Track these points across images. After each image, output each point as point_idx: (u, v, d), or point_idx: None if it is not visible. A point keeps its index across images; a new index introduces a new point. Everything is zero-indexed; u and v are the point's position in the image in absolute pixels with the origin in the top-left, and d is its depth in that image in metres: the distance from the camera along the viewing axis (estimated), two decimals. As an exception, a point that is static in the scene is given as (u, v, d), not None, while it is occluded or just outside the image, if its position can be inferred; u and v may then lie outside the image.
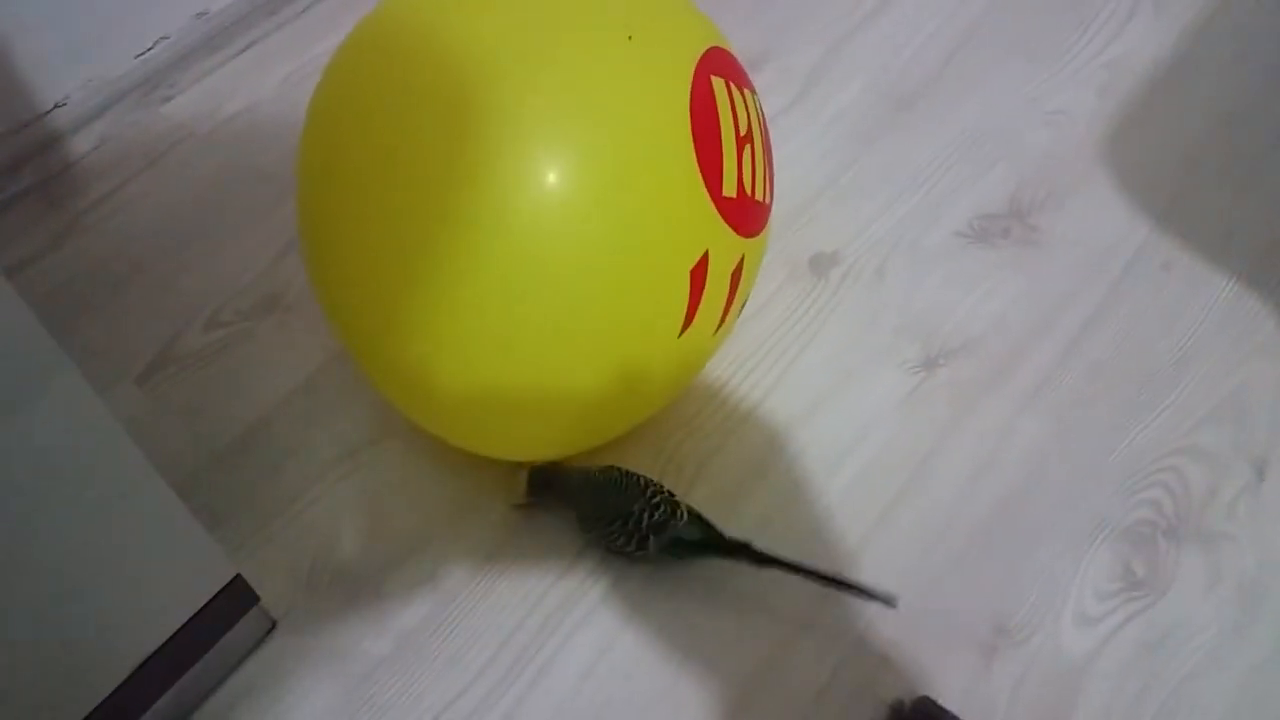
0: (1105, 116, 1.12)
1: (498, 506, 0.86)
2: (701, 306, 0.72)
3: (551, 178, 0.64)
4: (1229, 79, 1.14)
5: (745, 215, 0.74)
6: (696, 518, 0.80)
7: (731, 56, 0.76)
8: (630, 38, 0.68)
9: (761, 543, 0.79)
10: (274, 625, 0.80)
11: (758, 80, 1.14)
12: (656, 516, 0.78)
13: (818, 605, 0.80)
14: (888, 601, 0.77)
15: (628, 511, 0.78)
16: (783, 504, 0.86)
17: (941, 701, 0.75)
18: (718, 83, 0.71)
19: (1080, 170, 1.07)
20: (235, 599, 0.74)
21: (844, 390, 0.92)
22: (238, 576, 0.73)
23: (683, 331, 0.72)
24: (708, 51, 0.72)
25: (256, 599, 0.76)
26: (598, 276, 0.67)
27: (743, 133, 0.73)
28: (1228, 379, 0.92)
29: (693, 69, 0.70)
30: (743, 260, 0.76)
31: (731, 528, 0.80)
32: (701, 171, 0.68)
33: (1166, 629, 0.79)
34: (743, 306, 0.83)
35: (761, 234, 0.79)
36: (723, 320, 0.78)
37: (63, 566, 0.62)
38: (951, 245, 1.02)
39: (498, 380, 0.70)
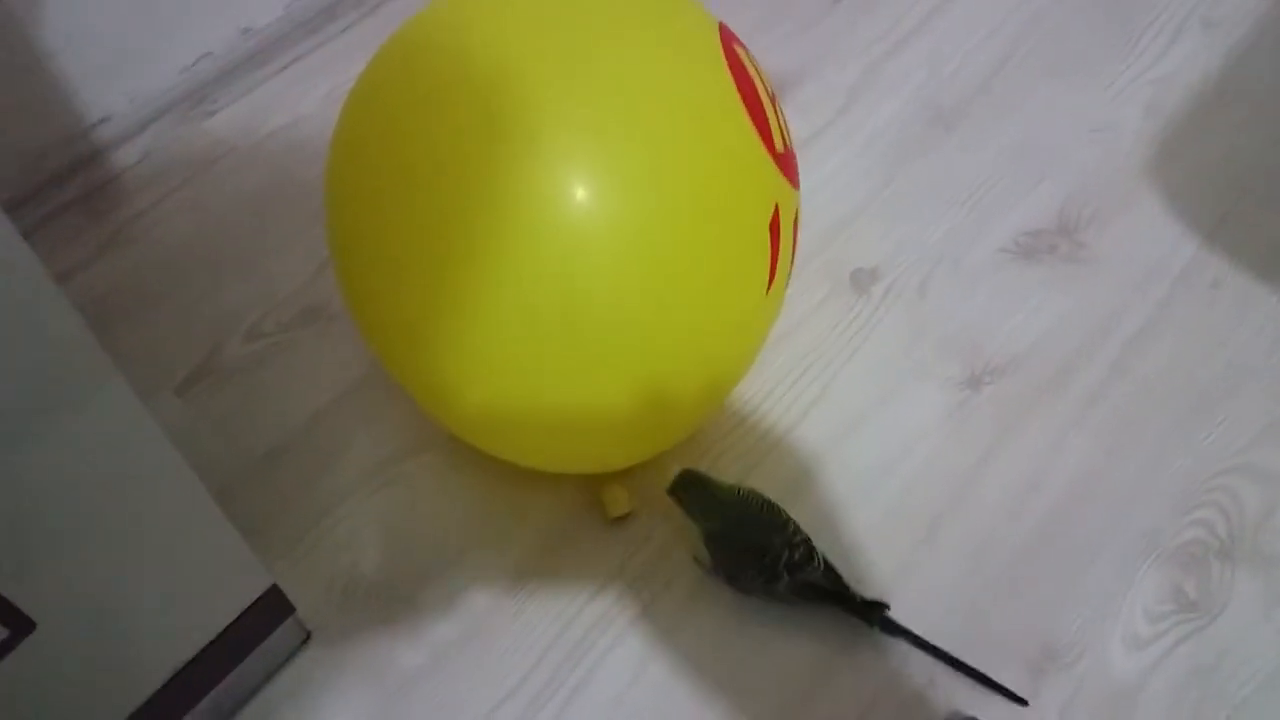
0: (1152, 134, 1.10)
1: (534, 521, 0.85)
2: (779, 260, 0.74)
3: (589, 176, 0.64)
4: (1276, 96, 1.13)
5: (792, 168, 0.77)
6: (830, 567, 0.77)
7: (727, 27, 0.77)
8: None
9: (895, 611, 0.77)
10: (308, 636, 0.80)
11: (798, 97, 1.14)
12: (796, 556, 0.75)
13: (858, 629, 0.78)
14: (1020, 700, 0.74)
15: (767, 544, 0.76)
16: (824, 522, 0.84)
17: (988, 724, 0.73)
18: (740, 50, 0.74)
19: (1127, 187, 1.05)
20: (271, 609, 0.74)
21: (886, 407, 0.91)
22: (273, 586, 0.73)
23: (770, 287, 0.74)
24: (719, 25, 0.74)
25: (292, 609, 0.76)
26: (674, 256, 0.67)
27: (771, 92, 0.75)
28: (1279, 397, 0.90)
29: (719, 41, 0.71)
30: (796, 214, 0.78)
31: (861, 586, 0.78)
32: (757, 130, 0.70)
33: (1220, 653, 0.77)
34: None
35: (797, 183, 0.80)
36: (789, 272, 0.79)
37: (102, 572, 0.61)
38: (996, 262, 1.00)
39: (540, 391, 0.69)
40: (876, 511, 0.85)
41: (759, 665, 0.78)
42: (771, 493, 0.84)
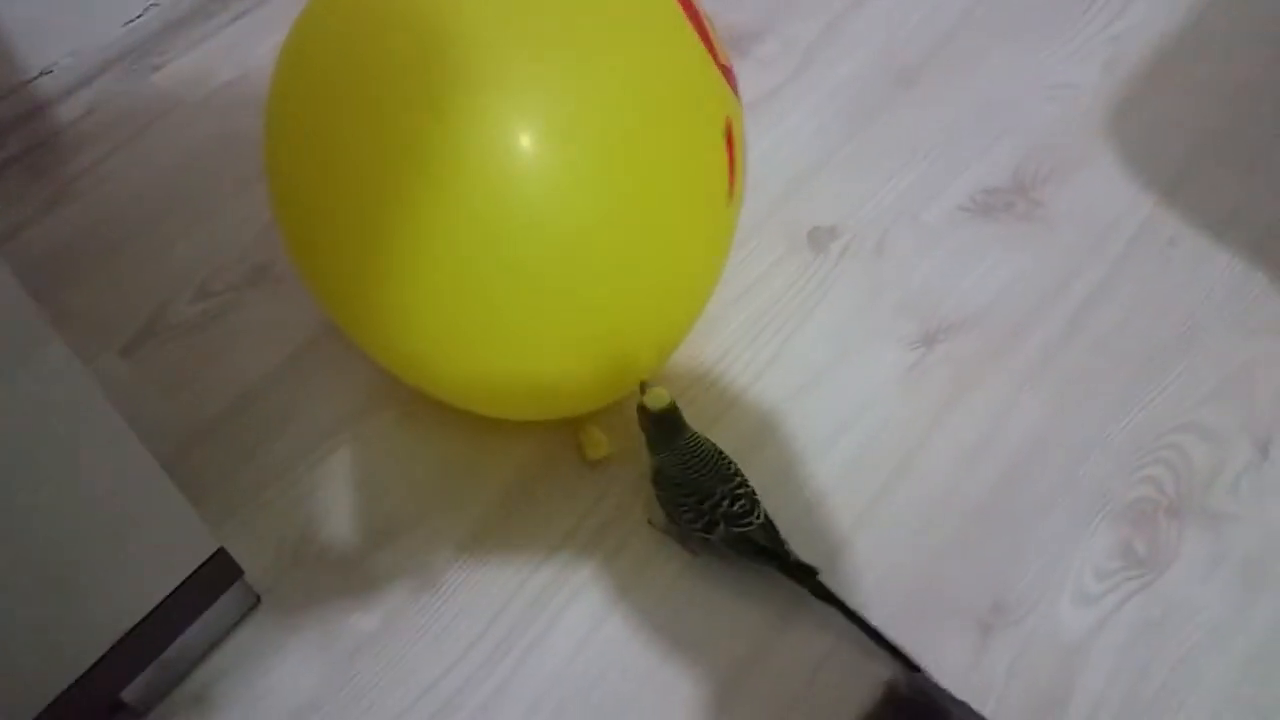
0: (1110, 91, 1.10)
1: (491, 481, 0.84)
2: (735, 169, 0.76)
3: (537, 112, 0.64)
4: (1235, 54, 1.12)
5: (733, 81, 0.78)
6: (770, 525, 0.77)
7: None
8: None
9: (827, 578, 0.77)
10: (258, 600, 0.79)
11: (759, 53, 1.13)
12: (735, 507, 0.76)
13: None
14: (915, 668, 0.74)
15: (710, 491, 0.76)
16: (780, 479, 0.84)
17: (938, 679, 0.73)
18: None
19: (1085, 145, 1.05)
20: (219, 573, 0.73)
21: (842, 366, 0.91)
22: (220, 550, 0.72)
23: (730, 197, 0.76)
24: None
25: (240, 573, 0.75)
26: (636, 175, 0.68)
27: (699, 10, 0.76)
28: (1232, 357, 0.90)
29: None
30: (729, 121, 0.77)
31: (799, 550, 0.77)
32: (704, 44, 0.72)
33: (1167, 608, 0.78)
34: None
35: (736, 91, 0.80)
36: (742, 183, 0.80)
37: (42, 538, 0.60)
38: (954, 219, 1.00)
39: (498, 332, 0.70)
40: (832, 469, 0.85)
41: (718, 618, 0.78)
42: (727, 449, 0.84)
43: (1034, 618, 0.77)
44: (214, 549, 0.71)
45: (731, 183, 0.75)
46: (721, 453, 0.79)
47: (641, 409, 0.77)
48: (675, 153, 0.70)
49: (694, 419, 0.87)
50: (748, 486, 0.78)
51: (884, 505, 0.83)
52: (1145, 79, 1.11)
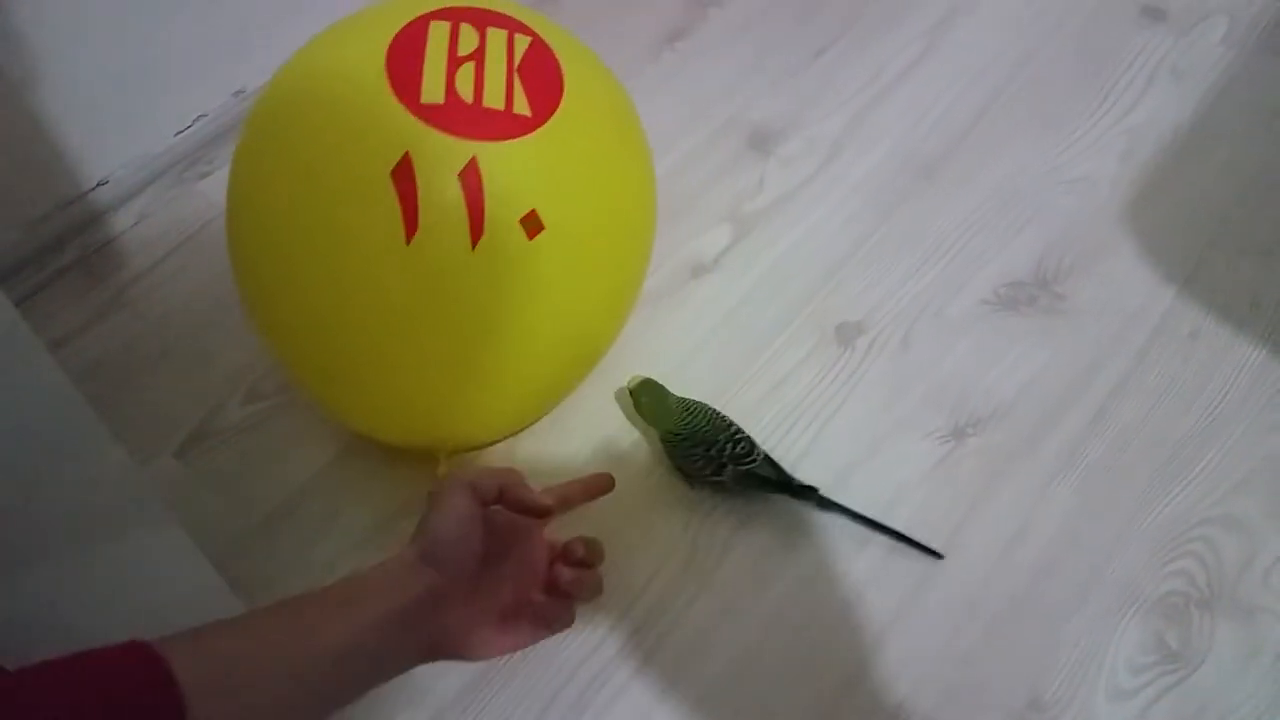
0: (1128, 182, 1.13)
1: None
2: (424, 210, 0.72)
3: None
4: (1248, 141, 1.16)
5: (460, 117, 0.73)
6: (770, 460, 0.88)
7: (496, 14, 0.79)
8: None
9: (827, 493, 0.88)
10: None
11: (782, 151, 1.17)
12: (738, 449, 0.87)
13: (853, 680, 0.80)
14: (935, 554, 0.86)
15: (713, 440, 0.87)
16: (813, 576, 0.86)
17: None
18: (438, 24, 0.77)
19: (1104, 236, 1.08)
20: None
21: (872, 460, 0.93)
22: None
23: (411, 238, 0.73)
24: (445, 9, 0.78)
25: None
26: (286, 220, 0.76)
27: (462, 54, 0.75)
28: (1257, 447, 0.92)
29: (410, 19, 0.76)
30: (474, 160, 0.73)
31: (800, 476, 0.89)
32: (393, 88, 0.73)
33: (1202, 703, 0.79)
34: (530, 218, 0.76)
35: (518, 139, 0.74)
36: (481, 229, 0.74)
37: (96, 634, 0.63)
38: (977, 313, 1.02)
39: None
40: (866, 564, 0.87)
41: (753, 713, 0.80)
42: (759, 548, 0.87)
43: (1070, 714, 0.79)
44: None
45: (410, 222, 0.72)
46: (716, 410, 0.91)
47: (628, 392, 0.93)
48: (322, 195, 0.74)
49: (729, 514, 0.89)
50: (744, 433, 0.90)
51: (919, 600, 0.85)
52: (1161, 169, 1.14)
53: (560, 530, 0.78)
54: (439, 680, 0.82)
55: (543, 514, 0.73)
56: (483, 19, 0.78)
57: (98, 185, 1.10)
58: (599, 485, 0.80)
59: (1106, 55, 1.24)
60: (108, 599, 0.65)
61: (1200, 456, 0.92)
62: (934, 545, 0.87)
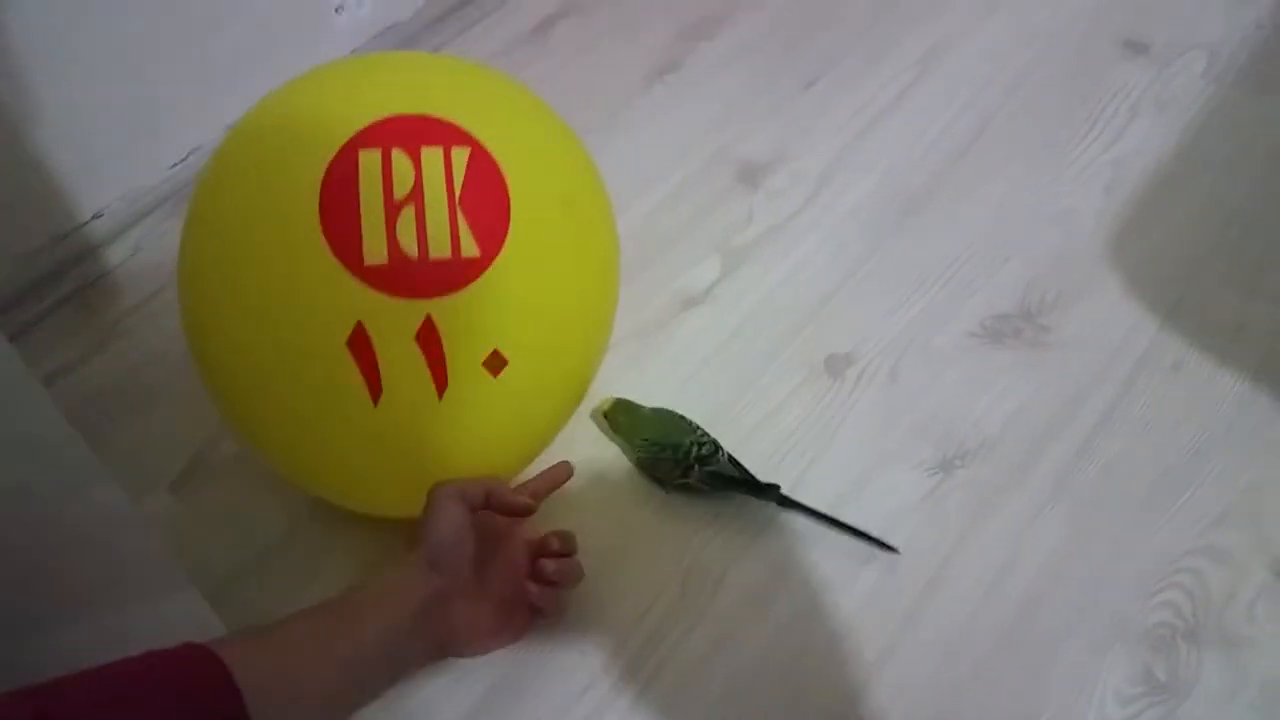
0: (1112, 214, 1.14)
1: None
2: (386, 374, 0.72)
3: None
4: (1232, 173, 1.17)
5: (407, 277, 0.71)
6: (735, 461, 0.93)
7: (429, 121, 0.74)
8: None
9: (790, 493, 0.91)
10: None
11: (769, 184, 1.18)
12: (703, 451, 0.92)
13: (845, 712, 0.81)
14: (890, 548, 0.89)
15: (679, 444, 0.92)
16: (806, 608, 0.87)
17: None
18: (368, 155, 0.71)
19: (1089, 269, 1.09)
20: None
21: (863, 493, 0.94)
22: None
23: (377, 401, 0.73)
24: (373, 125, 0.73)
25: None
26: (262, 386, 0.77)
27: (399, 196, 0.71)
28: (1240, 478, 0.93)
29: (336, 149, 0.71)
30: (429, 319, 0.72)
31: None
32: (333, 248, 0.70)
33: (1189, 735, 0.80)
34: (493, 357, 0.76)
35: (470, 286, 0.73)
36: (445, 381, 0.74)
37: (82, 661, 0.63)
38: (964, 345, 1.04)
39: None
40: (856, 598, 0.88)
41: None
42: (752, 582, 0.88)
43: (1059, 746, 0.80)
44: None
45: (374, 385, 0.73)
46: (681, 416, 0.95)
47: (601, 415, 0.98)
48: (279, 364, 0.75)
49: (721, 547, 0.90)
50: (708, 436, 0.94)
51: (909, 633, 0.86)
52: (1145, 201, 1.16)
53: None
54: (438, 710, 0.82)
55: (526, 513, 0.81)
56: (415, 134, 0.73)
57: (93, 218, 1.11)
58: (560, 475, 0.89)
59: (1090, 88, 1.26)
60: (97, 637, 0.65)
61: (1185, 488, 0.93)
62: (924, 578, 0.88)
